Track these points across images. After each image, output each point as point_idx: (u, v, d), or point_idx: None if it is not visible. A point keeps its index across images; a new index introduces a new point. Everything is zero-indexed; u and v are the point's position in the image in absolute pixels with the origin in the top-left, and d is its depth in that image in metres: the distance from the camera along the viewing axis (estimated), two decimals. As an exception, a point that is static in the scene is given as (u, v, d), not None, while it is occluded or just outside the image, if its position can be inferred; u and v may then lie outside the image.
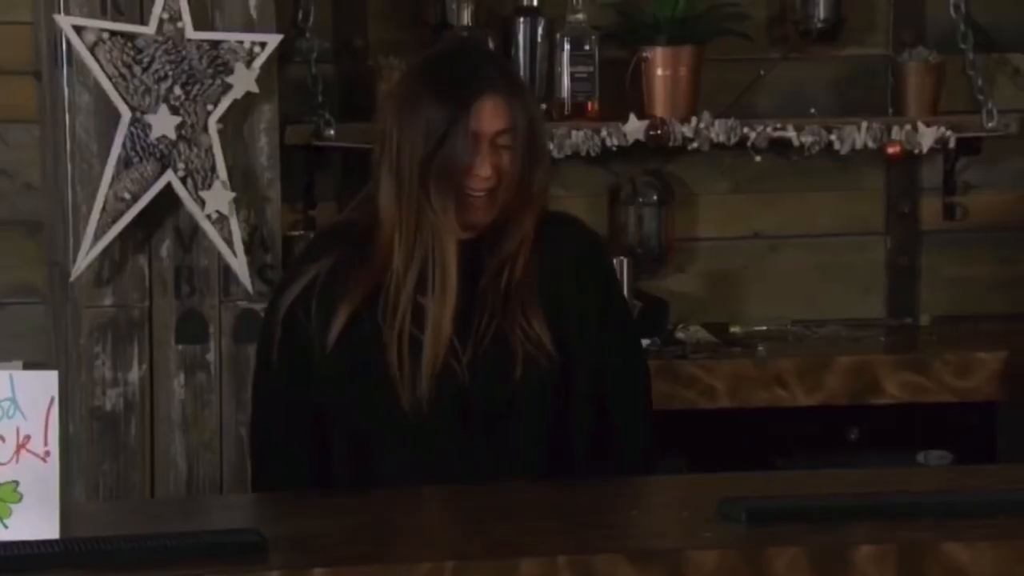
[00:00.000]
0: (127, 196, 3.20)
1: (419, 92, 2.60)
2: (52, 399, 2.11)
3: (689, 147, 3.74)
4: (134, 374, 3.27)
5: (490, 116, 2.56)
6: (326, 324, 2.57)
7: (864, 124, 3.83)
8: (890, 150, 3.85)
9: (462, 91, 2.56)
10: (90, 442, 3.26)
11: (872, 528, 2.21)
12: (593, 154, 3.73)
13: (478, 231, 2.60)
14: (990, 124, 3.86)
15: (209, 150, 3.22)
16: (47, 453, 2.10)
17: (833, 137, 3.82)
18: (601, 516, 2.28)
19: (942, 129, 3.84)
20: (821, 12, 3.90)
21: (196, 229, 3.26)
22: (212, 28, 3.25)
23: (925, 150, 3.85)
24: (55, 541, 2.11)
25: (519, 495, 2.40)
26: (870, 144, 3.83)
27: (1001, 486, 2.48)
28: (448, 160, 2.55)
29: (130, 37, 3.20)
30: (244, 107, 3.26)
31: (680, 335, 3.70)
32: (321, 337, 2.58)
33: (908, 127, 3.83)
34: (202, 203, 3.22)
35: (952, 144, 3.86)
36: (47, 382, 2.11)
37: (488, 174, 2.56)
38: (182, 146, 3.21)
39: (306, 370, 2.59)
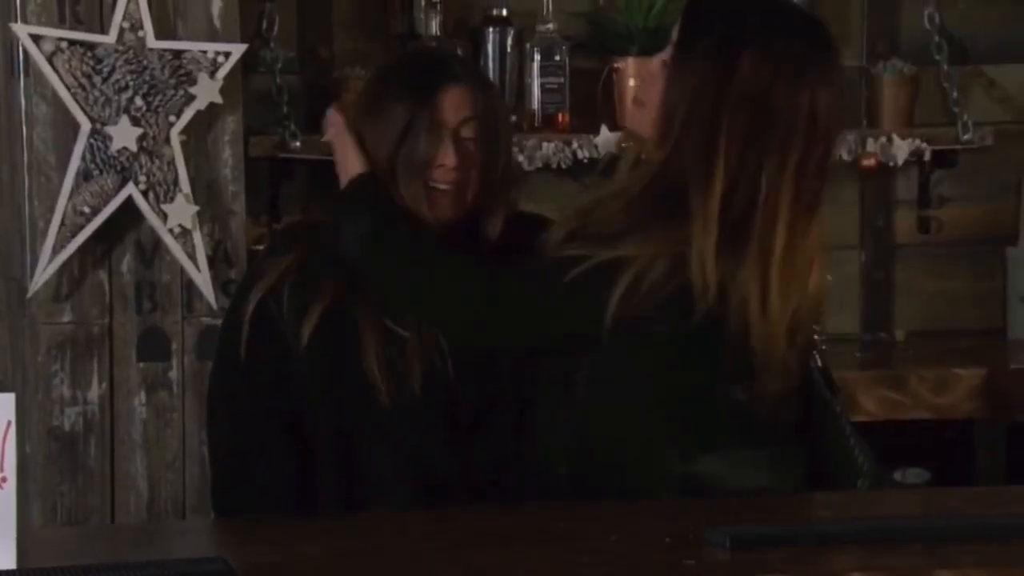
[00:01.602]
0: (86, 210, 3.16)
1: (383, 88, 2.62)
2: (9, 423, 2.04)
3: (662, 160, 3.69)
4: (93, 392, 3.23)
5: (453, 106, 2.57)
6: (299, 319, 2.52)
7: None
8: (865, 163, 3.82)
9: (424, 82, 2.58)
10: (48, 463, 3.22)
11: (859, 555, 2.17)
12: (564, 166, 3.68)
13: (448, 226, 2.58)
14: (965, 136, 3.84)
15: (171, 162, 3.17)
16: (3, 480, 2.03)
17: (807, 149, 3.77)
18: (581, 542, 2.23)
19: (917, 141, 3.81)
20: (794, 23, 3.86)
21: (158, 243, 3.22)
22: (174, 37, 3.21)
23: (900, 163, 3.82)
24: (12, 572, 2.04)
25: (497, 519, 2.36)
26: (845, 156, 3.80)
27: (985, 509, 2.45)
28: (413, 152, 2.56)
29: (89, 46, 3.15)
30: (207, 118, 3.23)
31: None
32: (294, 333, 2.52)
33: (883, 139, 3.80)
34: (164, 217, 3.18)
35: (927, 157, 3.84)
36: (4, 405, 2.04)
37: (453, 164, 2.56)
38: (143, 158, 3.17)
39: (279, 370, 2.55)
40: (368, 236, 2.54)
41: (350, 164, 2.62)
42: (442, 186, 2.57)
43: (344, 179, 2.63)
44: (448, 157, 2.56)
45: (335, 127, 2.65)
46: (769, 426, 2.51)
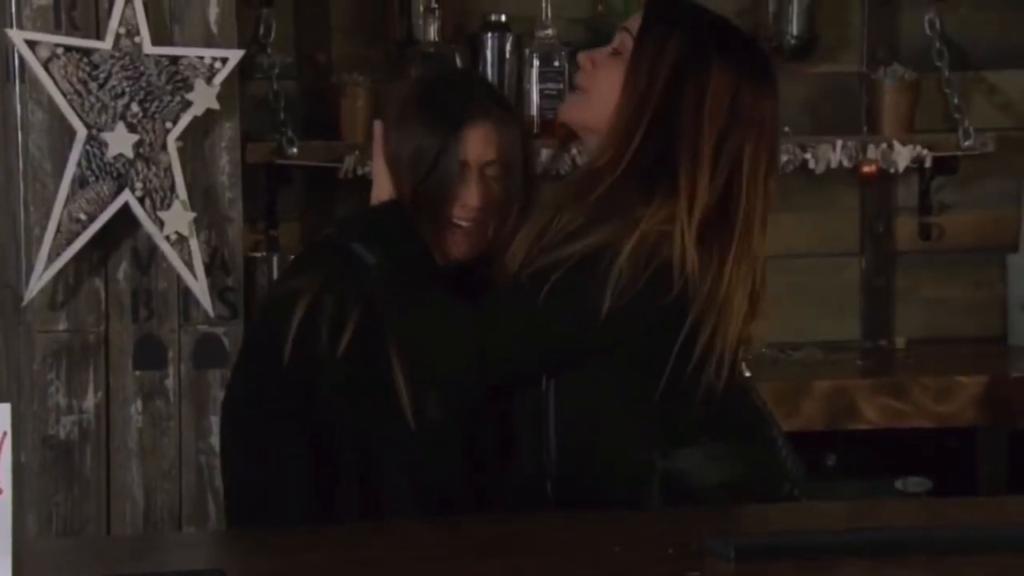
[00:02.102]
0: (82, 217, 3.14)
1: (409, 117, 2.57)
2: (4, 434, 2.01)
3: (661, 166, 3.68)
4: (89, 401, 3.21)
5: (480, 145, 2.54)
6: (334, 338, 2.50)
7: (839, 143, 3.78)
8: (866, 169, 3.80)
9: (453, 117, 2.54)
10: (43, 472, 3.20)
11: (865, 567, 2.16)
12: (563, 172, 3.65)
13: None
14: (967, 143, 3.82)
15: (168, 169, 3.16)
16: (-1, 491, 2.00)
17: (808, 156, 3.77)
18: (585, 552, 2.21)
19: (918, 148, 3.79)
20: (794, 29, 3.86)
21: (154, 251, 3.20)
22: (171, 43, 3.19)
23: (901, 169, 3.80)
24: (7, 584, 2.01)
25: (499, 529, 2.33)
26: (845, 163, 3.79)
27: (989, 519, 2.43)
28: (437, 187, 2.52)
29: (86, 52, 3.14)
30: (204, 124, 3.21)
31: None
32: (329, 352, 2.50)
33: (884, 146, 3.78)
34: (161, 224, 3.16)
35: (928, 163, 3.82)
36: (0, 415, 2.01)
37: (477, 203, 2.53)
38: (140, 165, 3.15)
39: (313, 386, 2.52)
40: (380, 268, 2.50)
41: (380, 187, 2.58)
42: (463, 223, 2.54)
43: (374, 198, 2.59)
44: (472, 197, 2.53)
45: (375, 143, 2.60)
46: (731, 419, 2.53)
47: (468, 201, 2.52)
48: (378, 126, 2.61)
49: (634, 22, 2.57)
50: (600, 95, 2.54)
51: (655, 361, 2.47)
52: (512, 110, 2.59)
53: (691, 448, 2.49)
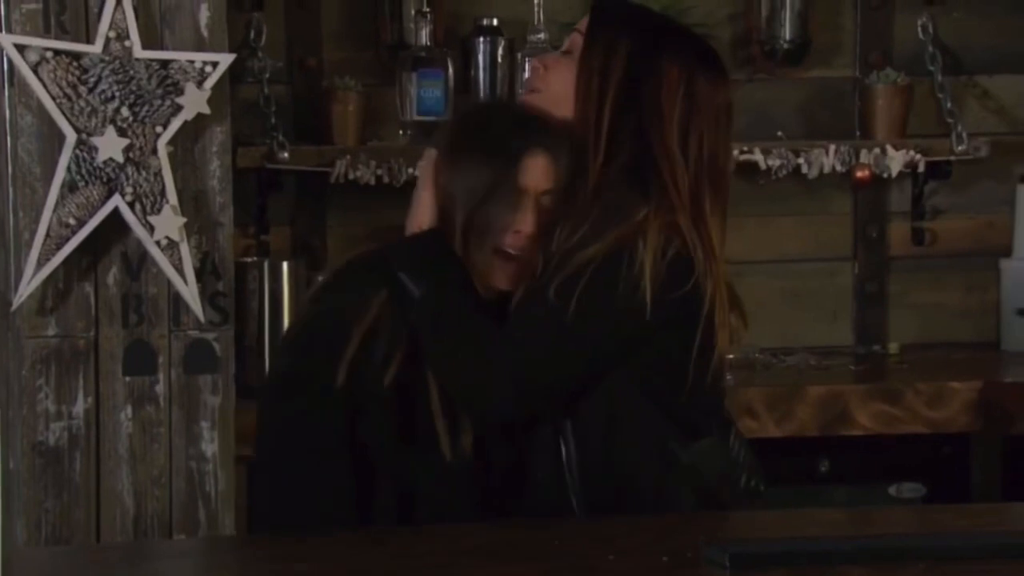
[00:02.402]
0: (72, 221, 3.12)
1: (464, 148, 2.54)
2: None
3: (654, 170, 3.66)
4: (79, 407, 3.19)
5: (539, 173, 2.51)
6: (384, 366, 2.47)
7: (832, 147, 3.77)
8: (859, 174, 3.79)
9: (511, 147, 2.51)
10: (32, 479, 3.18)
11: (860, 574, 2.15)
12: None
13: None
14: (960, 147, 3.81)
15: (158, 173, 3.14)
16: (-12, 499, 1.99)
17: (801, 160, 3.76)
18: (579, 560, 2.20)
19: (911, 153, 3.79)
20: (787, 33, 3.85)
21: (144, 256, 3.18)
22: (161, 47, 3.18)
23: (895, 174, 3.80)
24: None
25: (494, 537, 2.32)
26: (838, 168, 3.78)
27: (986, 526, 2.43)
28: (493, 214, 2.49)
29: (75, 56, 3.12)
30: (195, 129, 3.20)
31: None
32: (379, 377, 2.47)
33: (877, 150, 3.78)
34: (151, 229, 3.14)
35: (921, 168, 3.81)
36: (-12, 422, 1.99)
37: (530, 231, 2.50)
38: (130, 169, 3.13)
39: (360, 413, 2.48)
40: (426, 301, 2.47)
41: (420, 216, 2.54)
42: (514, 252, 2.50)
43: (411, 225, 2.54)
44: (527, 224, 2.49)
45: (425, 169, 2.57)
46: (721, 411, 2.56)
47: (523, 228, 2.49)
48: (430, 155, 2.56)
49: (583, 23, 2.61)
50: (554, 92, 2.57)
51: (678, 352, 2.47)
52: (565, 138, 2.55)
53: (705, 440, 2.50)
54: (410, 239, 2.53)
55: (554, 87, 2.57)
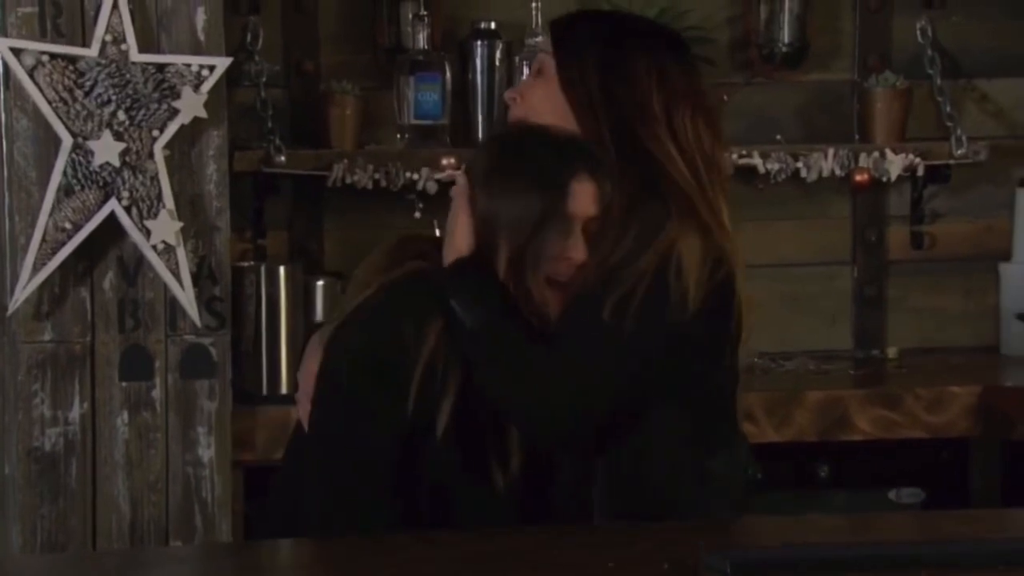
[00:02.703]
0: (68, 226, 3.11)
1: (505, 176, 2.48)
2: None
3: (652, 174, 3.65)
4: (75, 412, 3.18)
5: (587, 200, 2.47)
6: (442, 390, 2.44)
7: (831, 151, 3.76)
8: (858, 177, 3.78)
9: (557, 174, 2.46)
10: (28, 485, 3.18)
11: (864, 581, 2.12)
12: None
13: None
14: (959, 151, 3.79)
15: (155, 178, 3.13)
16: (-17, 507, 1.97)
17: (800, 164, 3.75)
18: (578, 569, 2.19)
19: (911, 156, 3.77)
20: (786, 36, 3.84)
21: (141, 260, 3.17)
22: (158, 51, 3.17)
23: (894, 178, 3.79)
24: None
25: (495, 545, 2.31)
26: (837, 171, 3.77)
27: (987, 533, 2.42)
28: (544, 245, 2.44)
29: (71, 60, 3.11)
30: (191, 133, 3.19)
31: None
32: (439, 407, 2.45)
33: (876, 154, 3.76)
34: (147, 233, 3.13)
35: (920, 172, 3.80)
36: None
37: (583, 257, 2.46)
38: (126, 173, 3.12)
39: (416, 441, 2.46)
40: (479, 332, 2.43)
41: (460, 240, 2.48)
42: (561, 279, 2.47)
43: (450, 252, 2.49)
44: (579, 251, 2.45)
45: (459, 195, 2.51)
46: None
47: (575, 256, 2.45)
48: (463, 182, 2.51)
49: (544, 42, 2.59)
50: (536, 113, 2.54)
51: (717, 357, 2.48)
52: (604, 159, 2.52)
53: (734, 448, 2.50)
54: (456, 267, 2.47)
55: (534, 106, 2.54)
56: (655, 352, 2.43)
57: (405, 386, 2.42)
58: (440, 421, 2.43)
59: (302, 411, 2.51)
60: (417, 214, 3.68)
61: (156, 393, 3.21)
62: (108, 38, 3.12)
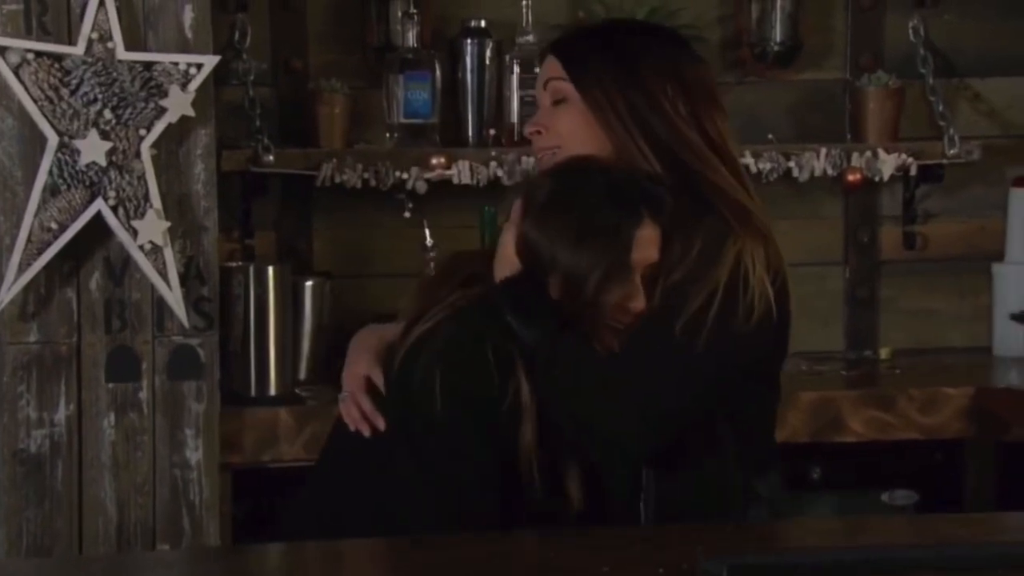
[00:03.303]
0: (54, 226, 3.09)
1: (565, 218, 2.42)
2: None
3: (644, 174, 3.63)
4: (61, 414, 3.16)
5: (648, 246, 2.42)
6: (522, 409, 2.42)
7: (823, 151, 3.74)
8: (850, 177, 3.76)
9: (620, 226, 2.41)
10: (13, 487, 3.16)
11: (862, 586, 2.10)
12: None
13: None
14: (952, 151, 3.78)
15: (142, 177, 3.11)
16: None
17: (791, 164, 3.73)
18: (575, 573, 2.17)
19: (903, 156, 3.76)
20: (778, 35, 3.83)
21: (128, 260, 3.15)
22: (145, 49, 3.15)
23: (886, 177, 3.77)
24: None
25: (491, 549, 2.29)
26: (829, 171, 3.75)
27: (983, 535, 2.40)
28: (604, 300, 2.40)
29: (57, 58, 3.08)
30: (179, 132, 3.17)
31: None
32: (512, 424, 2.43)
33: (868, 154, 3.75)
34: (134, 233, 3.11)
35: (913, 171, 3.78)
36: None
37: (642, 307, 2.42)
38: (113, 173, 3.10)
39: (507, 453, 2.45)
40: (540, 349, 2.41)
41: (508, 261, 2.45)
42: (620, 327, 2.43)
43: (499, 270, 2.45)
44: (640, 301, 2.41)
45: (516, 215, 2.46)
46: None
47: (636, 306, 2.41)
48: (518, 208, 2.46)
49: (553, 69, 2.55)
50: (573, 141, 2.50)
51: (774, 367, 2.51)
52: (662, 196, 2.45)
53: (774, 471, 2.51)
54: (510, 285, 2.44)
55: (569, 136, 2.50)
56: (725, 369, 2.41)
57: (493, 413, 2.40)
58: (522, 443, 2.41)
59: (347, 412, 2.48)
60: (407, 213, 3.67)
61: (143, 394, 3.19)
62: (94, 36, 3.10)
